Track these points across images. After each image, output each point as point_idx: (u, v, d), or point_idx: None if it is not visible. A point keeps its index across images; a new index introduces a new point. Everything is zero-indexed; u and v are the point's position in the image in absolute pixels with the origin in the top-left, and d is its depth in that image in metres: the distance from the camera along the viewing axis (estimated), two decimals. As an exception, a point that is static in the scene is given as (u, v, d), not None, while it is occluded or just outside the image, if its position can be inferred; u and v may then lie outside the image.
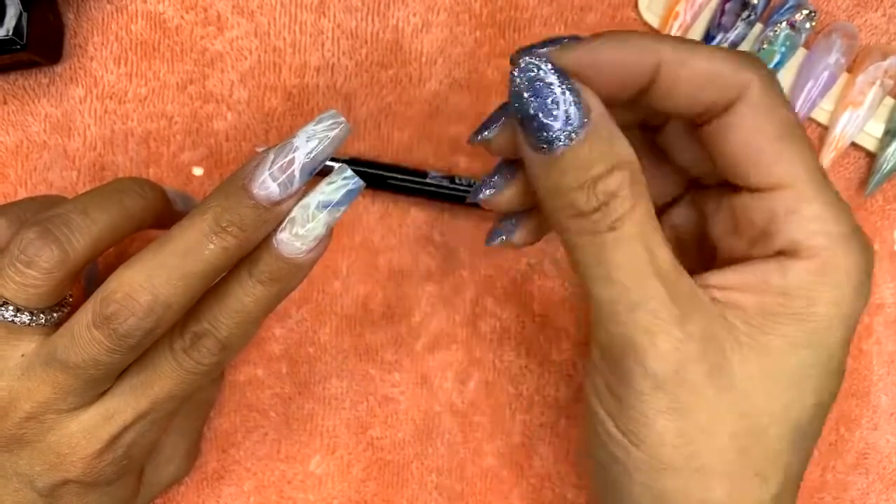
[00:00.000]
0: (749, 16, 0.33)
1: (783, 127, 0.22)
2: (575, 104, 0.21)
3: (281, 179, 0.22)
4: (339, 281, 0.34)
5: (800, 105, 0.34)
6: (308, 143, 0.23)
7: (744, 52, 0.24)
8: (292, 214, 0.23)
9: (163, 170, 0.33)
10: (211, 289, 0.24)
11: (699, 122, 0.23)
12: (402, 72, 0.33)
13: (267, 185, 0.22)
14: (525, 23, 0.34)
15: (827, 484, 0.35)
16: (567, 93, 0.21)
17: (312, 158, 0.23)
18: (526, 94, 0.21)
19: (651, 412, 0.22)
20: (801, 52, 0.34)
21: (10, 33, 0.30)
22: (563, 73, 0.21)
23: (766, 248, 0.23)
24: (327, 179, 0.23)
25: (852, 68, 0.34)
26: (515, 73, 0.21)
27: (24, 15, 0.30)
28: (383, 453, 0.34)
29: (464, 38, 0.34)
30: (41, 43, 0.31)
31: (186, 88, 0.33)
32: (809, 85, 0.33)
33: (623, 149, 0.22)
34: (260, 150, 0.33)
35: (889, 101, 0.34)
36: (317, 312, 0.34)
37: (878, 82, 0.33)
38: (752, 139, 0.22)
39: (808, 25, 0.33)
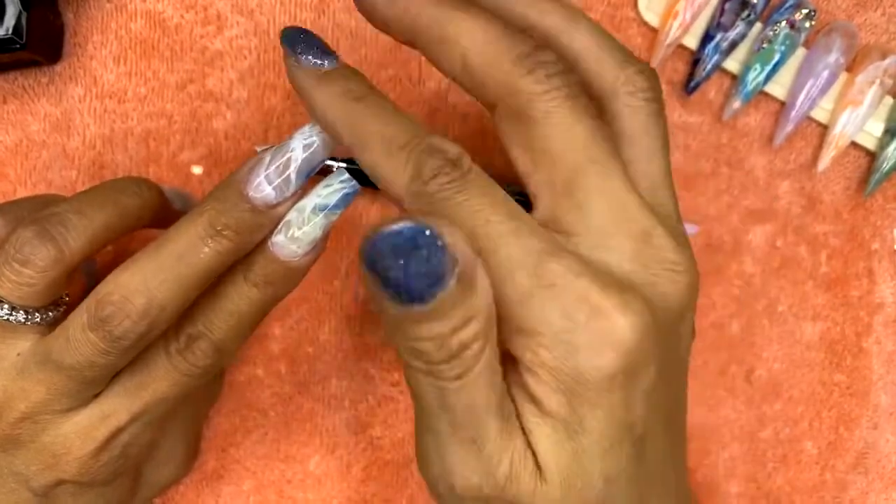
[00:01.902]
0: (749, 15, 0.33)
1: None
2: (442, 268, 0.18)
3: (276, 182, 0.22)
4: (338, 280, 0.34)
5: (799, 104, 0.34)
6: (304, 146, 0.23)
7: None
8: (288, 217, 0.23)
9: (162, 169, 0.33)
10: (206, 291, 0.24)
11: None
12: (401, 71, 0.33)
13: (262, 188, 0.22)
14: (525, 22, 0.34)
15: (826, 483, 0.35)
16: (437, 258, 0.18)
17: (308, 161, 0.23)
18: (388, 261, 0.18)
19: None
20: (800, 52, 0.34)
21: (10, 32, 0.30)
22: (435, 236, 0.18)
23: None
24: (323, 182, 0.23)
25: (852, 67, 0.34)
26: (375, 236, 0.18)
27: (24, 14, 0.30)
28: (383, 453, 0.34)
29: (463, 37, 0.34)
30: (41, 42, 0.31)
31: (186, 87, 0.33)
32: (809, 84, 0.33)
33: (482, 295, 0.19)
34: (259, 149, 0.33)
35: (889, 100, 0.34)
36: (316, 312, 0.34)
37: (878, 81, 0.33)
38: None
39: (807, 25, 0.33)
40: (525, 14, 0.23)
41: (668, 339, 0.21)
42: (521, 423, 0.21)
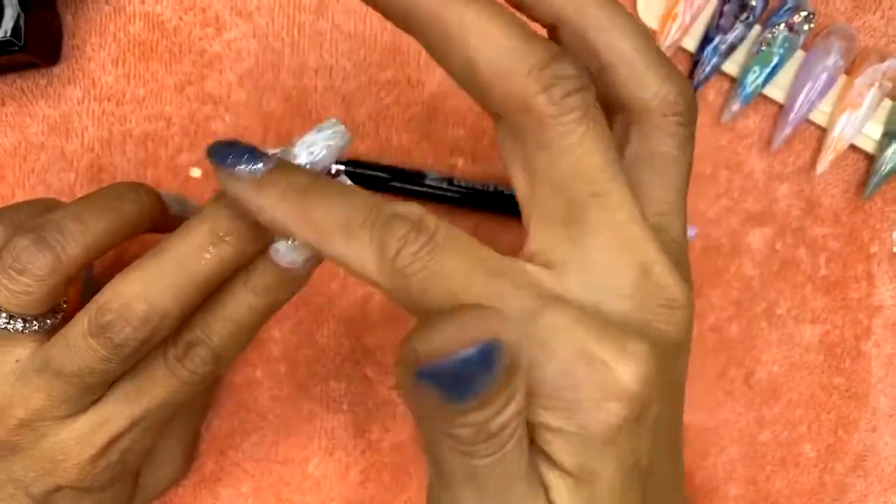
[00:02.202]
0: (747, 17, 0.33)
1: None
2: (494, 371, 0.17)
3: None
4: (337, 283, 0.34)
5: (798, 107, 0.34)
6: (308, 153, 0.22)
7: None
8: None
9: (161, 171, 0.33)
10: (206, 297, 0.24)
11: None
12: (400, 73, 0.33)
13: None
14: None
15: (825, 486, 0.35)
16: (494, 365, 0.17)
17: (312, 168, 0.22)
18: (446, 391, 0.17)
19: None
20: (799, 54, 0.34)
21: (9, 34, 0.30)
22: (489, 352, 0.17)
23: None
24: None
25: (851, 70, 0.34)
26: (427, 374, 0.17)
27: (23, 16, 0.30)
28: (381, 455, 0.34)
29: (462, 39, 0.34)
30: (39, 44, 0.31)
31: (185, 90, 0.33)
32: (808, 87, 0.33)
33: (519, 377, 0.18)
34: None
35: (887, 103, 0.34)
36: (315, 314, 0.34)
37: (877, 84, 0.33)
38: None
39: (806, 27, 0.33)
40: (560, 5, 0.21)
41: (668, 373, 0.21)
42: (541, 480, 0.20)
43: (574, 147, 0.19)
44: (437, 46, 0.19)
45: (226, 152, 0.21)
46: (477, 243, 0.19)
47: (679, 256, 0.21)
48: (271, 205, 0.20)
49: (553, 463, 0.20)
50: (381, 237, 0.19)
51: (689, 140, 0.21)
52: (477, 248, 0.19)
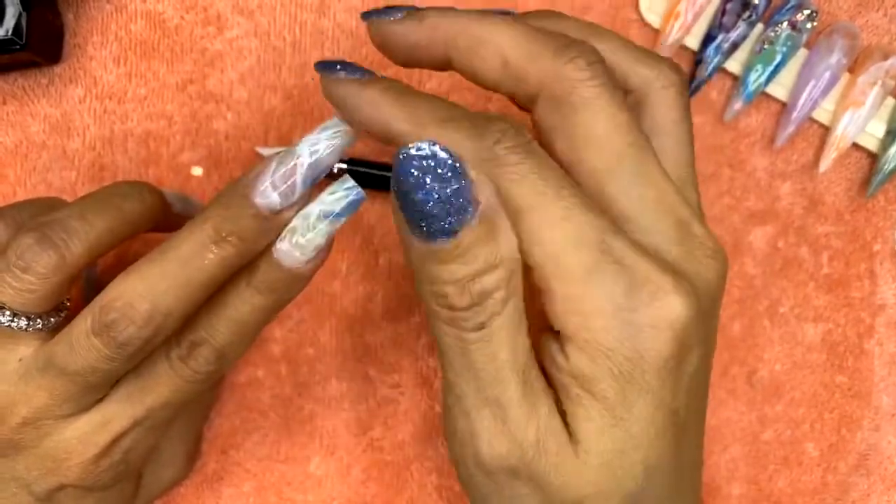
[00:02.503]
0: (750, 16, 0.33)
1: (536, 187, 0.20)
2: (465, 198, 0.19)
3: (282, 189, 0.22)
4: (338, 281, 0.34)
5: (801, 105, 0.33)
6: (311, 152, 0.22)
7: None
8: (293, 224, 0.23)
9: (162, 170, 0.33)
10: (210, 297, 0.24)
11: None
12: (402, 72, 0.33)
13: (268, 194, 0.22)
14: (525, 23, 0.34)
15: (828, 485, 0.35)
16: (459, 185, 0.19)
17: (314, 168, 0.22)
18: (413, 179, 0.19)
19: (480, 495, 0.22)
20: (802, 53, 0.34)
21: (10, 33, 0.30)
22: (457, 161, 0.19)
23: (544, 321, 0.22)
24: (329, 189, 0.23)
25: (854, 68, 0.34)
26: (403, 156, 0.20)
27: (24, 15, 0.30)
28: (383, 454, 0.34)
29: (464, 38, 0.34)
30: (41, 43, 0.31)
31: (186, 88, 0.33)
32: (811, 85, 0.33)
33: (506, 244, 0.20)
34: (259, 150, 0.33)
35: (890, 101, 0.34)
36: (316, 313, 0.34)
37: (880, 82, 0.33)
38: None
39: (809, 25, 0.33)
40: (549, 27, 0.23)
41: (708, 323, 0.22)
42: (560, 404, 0.21)
43: (608, 105, 0.21)
44: (473, 54, 0.22)
45: (332, 64, 0.22)
46: (561, 172, 0.21)
47: (704, 219, 0.23)
48: (374, 98, 0.21)
49: (589, 389, 0.20)
50: (482, 127, 0.20)
51: (688, 108, 0.24)
52: (562, 170, 0.21)
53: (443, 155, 0.19)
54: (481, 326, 0.20)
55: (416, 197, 0.19)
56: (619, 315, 0.20)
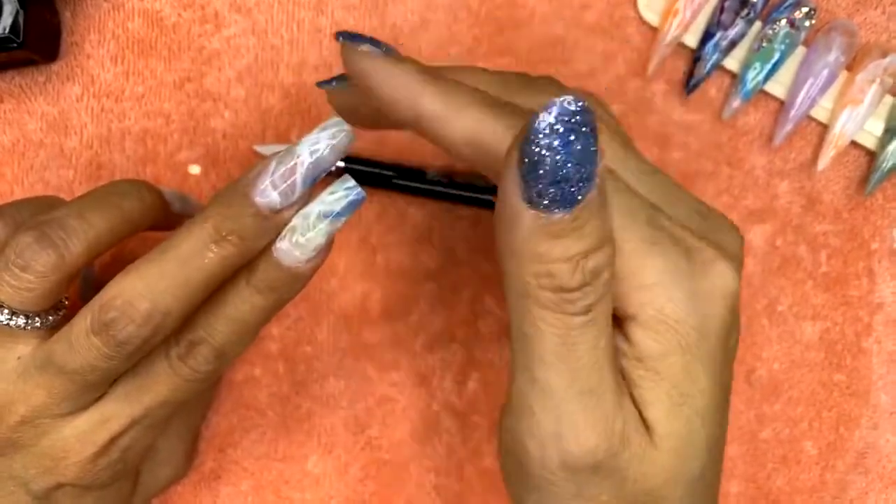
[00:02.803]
0: (748, 13, 0.33)
1: None
2: (596, 162, 0.18)
3: (282, 188, 0.22)
4: (336, 279, 0.34)
5: (799, 103, 0.33)
6: (311, 152, 0.22)
7: (509, 105, 0.21)
8: (293, 223, 0.23)
9: (159, 168, 0.33)
10: (209, 296, 0.24)
11: None
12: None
13: (268, 193, 0.22)
14: (523, 20, 0.34)
15: (826, 483, 0.35)
16: (596, 147, 0.18)
17: (315, 167, 0.22)
18: (558, 138, 0.18)
19: (554, 498, 0.21)
20: (800, 50, 0.34)
21: (7, 31, 0.29)
22: (595, 126, 0.18)
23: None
24: (329, 189, 0.23)
25: (852, 66, 0.34)
26: (549, 113, 0.18)
27: (21, 13, 0.30)
28: (381, 453, 0.34)
29: (462, 36, 0.34)
30: (38, 41, 0.31)
31: (183, 86, 0.33)
32: (809, 83, 0.33)
33: (609, 221, 0.20)
34: (257, 148, 0.33)
35: (889, 99, 0.34)
36: (314, 311, 0.34)
37: (878, 80, 0.33)
38: None
39: (807, 23, 0.33)
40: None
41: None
42: (628, 387, 0.21)
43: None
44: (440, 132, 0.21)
45: (357, 35, 0.22)
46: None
47: None
48: (405, 74, 0.21)
49: (654, 368, 0.20)
50: (524, 117, 0.19)
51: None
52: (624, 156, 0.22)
53: (588, 114, 0.18)
54: (588, 310, 0.19)
55: (558, 157, 0.18)
56: (683, 285, 0.20)
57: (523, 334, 0.20)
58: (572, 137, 0.18)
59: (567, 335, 0.19)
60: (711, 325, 0.20)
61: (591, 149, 0.18)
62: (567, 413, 0.20)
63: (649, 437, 0.21)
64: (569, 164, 0.18)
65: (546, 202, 0.18)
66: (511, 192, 0.19)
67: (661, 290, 0.20)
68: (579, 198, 0.18)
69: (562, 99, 0.18)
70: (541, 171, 0.18)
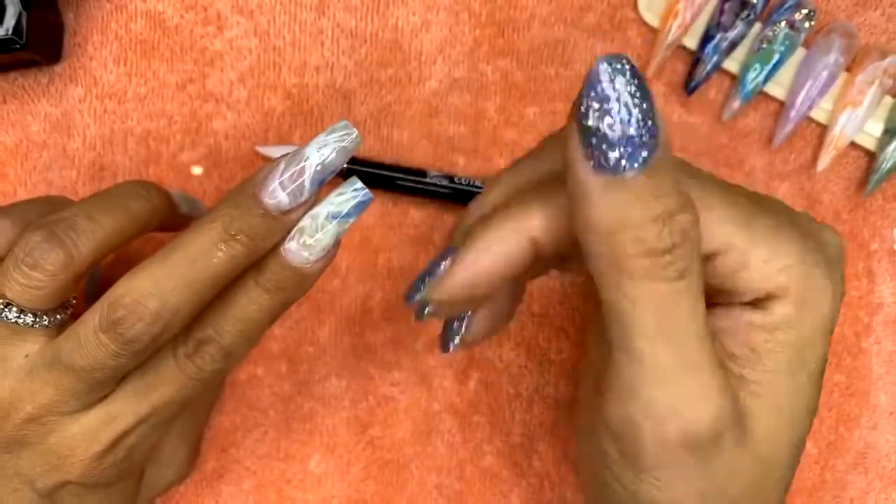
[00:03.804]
0: (748, 15, 0.33)
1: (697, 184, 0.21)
2: (657, 117, 0.18)
3: (291, 189, 0.22)
4: (338, 280, 0.34)
5: (799, 104, 0.34)
6: (319, 154, 0.23)
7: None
8: (301, 224, 0.23)
9: (162, 169, 0.33)
10: (217, 295, 0.24)
11: None
12: (401, 71, 0.33)
13: (277, 194, 0.22)
14: (524, 22, 0.34)
15: (826, 483, 0.35)
16: (652, 102, 0.18)
17: (323, 169, 0.23)
18: (610, 100, 0.18)
19: (673, 478, 0.21)
20: (800, 52, 0.34)
21: (10, 32, 0.30)
22: (645, 82, 0.18)
23: (731, 299, 0.22)
24: (337, 190, 0.23)
25: (851, 67, 0.34)
26: (601, 69, 0.18)
27: (24, 14, 0.30)
28: (383, 452, 0.34)
29: (463, 37, 0.34)
30: (41, 42, 0.31)
31: (186, 88, 0.33)
32: (808, 84, 0.33)
33: (684, 186, 0.19)
34: (259, 149, 0.33)
35: (888, 100, 0.34)
36: (316, 311, 0.34)
37: (878, 81, 0.33)
38: None
39: (807, 25, 0.33)
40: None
41: None
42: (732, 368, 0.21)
43: None
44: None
45: (414, 290, 0.23)
46: None
47: None
48: (487, 241, 0.22)
49: (766, 352, 0.21)
50: None
51: None
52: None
53: (636, 69, 0.18)
54: (684, 273, 0.19)
55: (617, 117, 0.18)
56: (805, 264, 0.21)
57: (618, 312, 0.20)
58: (628, 94, 0.18)
59: (667, 303, 0.19)
60: (828, 300, 0.21)
61: (646, 104, 0.18)
62: (680, 386, 0.20)
63: (743, 427, 0.21)
64: (629, 120, 0.18)
65: (612, 164, 0.18)
66: (578, 167, 0.19)
67: (791, 269, 0.21)
68: (644, 153, 0.18)
69: (604, 59, 0.18)
70: (601, 133, 0.18)
